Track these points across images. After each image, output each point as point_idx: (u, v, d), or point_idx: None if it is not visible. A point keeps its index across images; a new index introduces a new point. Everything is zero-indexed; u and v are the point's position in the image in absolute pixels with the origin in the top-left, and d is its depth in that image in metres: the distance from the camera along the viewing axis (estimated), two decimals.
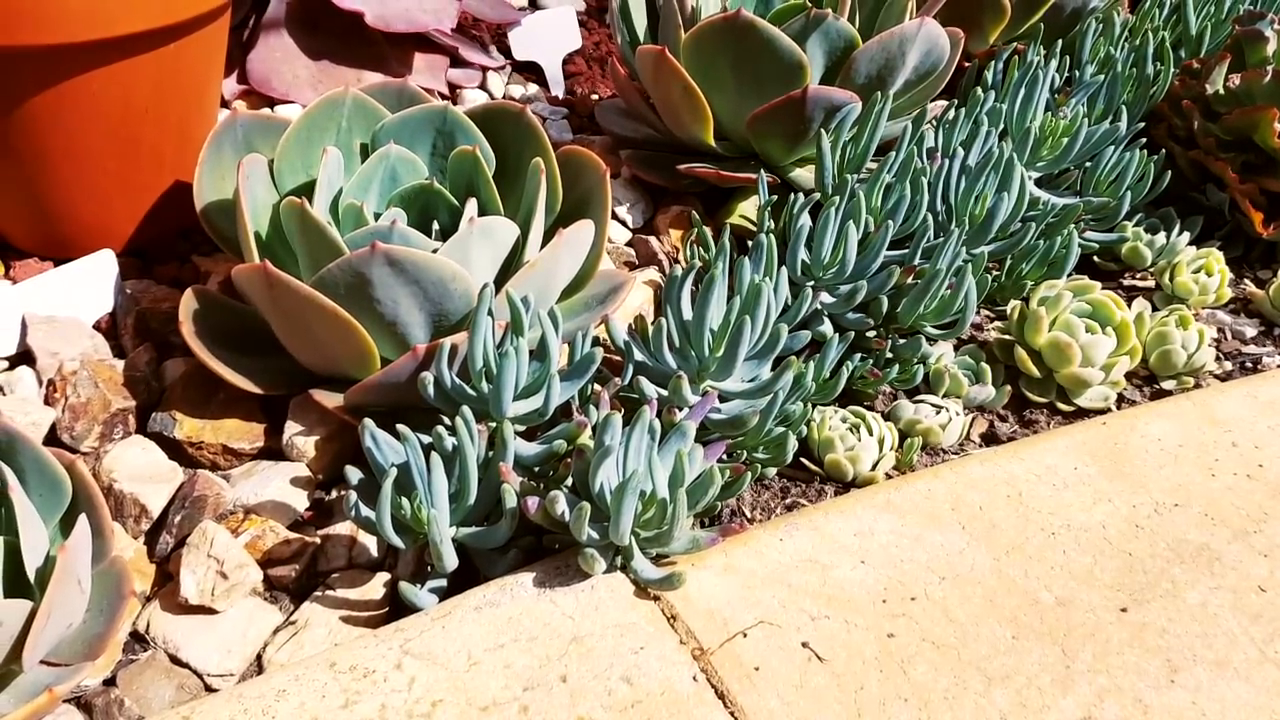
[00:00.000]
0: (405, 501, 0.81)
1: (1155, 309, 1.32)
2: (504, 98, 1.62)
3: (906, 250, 1.16)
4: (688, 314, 0.95)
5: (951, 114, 1.31)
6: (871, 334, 1.14)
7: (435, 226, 1.04)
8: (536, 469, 0.90)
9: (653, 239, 1.31)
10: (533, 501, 0.79)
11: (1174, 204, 1.49)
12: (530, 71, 1.74)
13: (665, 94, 1.26)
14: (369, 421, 0.84)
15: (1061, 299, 1.17)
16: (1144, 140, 1.47)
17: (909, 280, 1.12)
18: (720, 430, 0.95)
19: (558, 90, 1.70)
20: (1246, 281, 1.41)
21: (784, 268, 1.08)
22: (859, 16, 1.36)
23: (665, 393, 0.94)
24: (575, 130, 1.59)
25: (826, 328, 1.11)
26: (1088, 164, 1.38)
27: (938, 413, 1.11)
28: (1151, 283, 1.42)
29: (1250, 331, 1.33)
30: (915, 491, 0.97)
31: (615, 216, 1.34)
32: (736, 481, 0.93)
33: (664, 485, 0.78)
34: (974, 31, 1.65)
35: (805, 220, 1.08)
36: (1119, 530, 0.95)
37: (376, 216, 1.03)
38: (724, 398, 0.98)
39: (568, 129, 1.58)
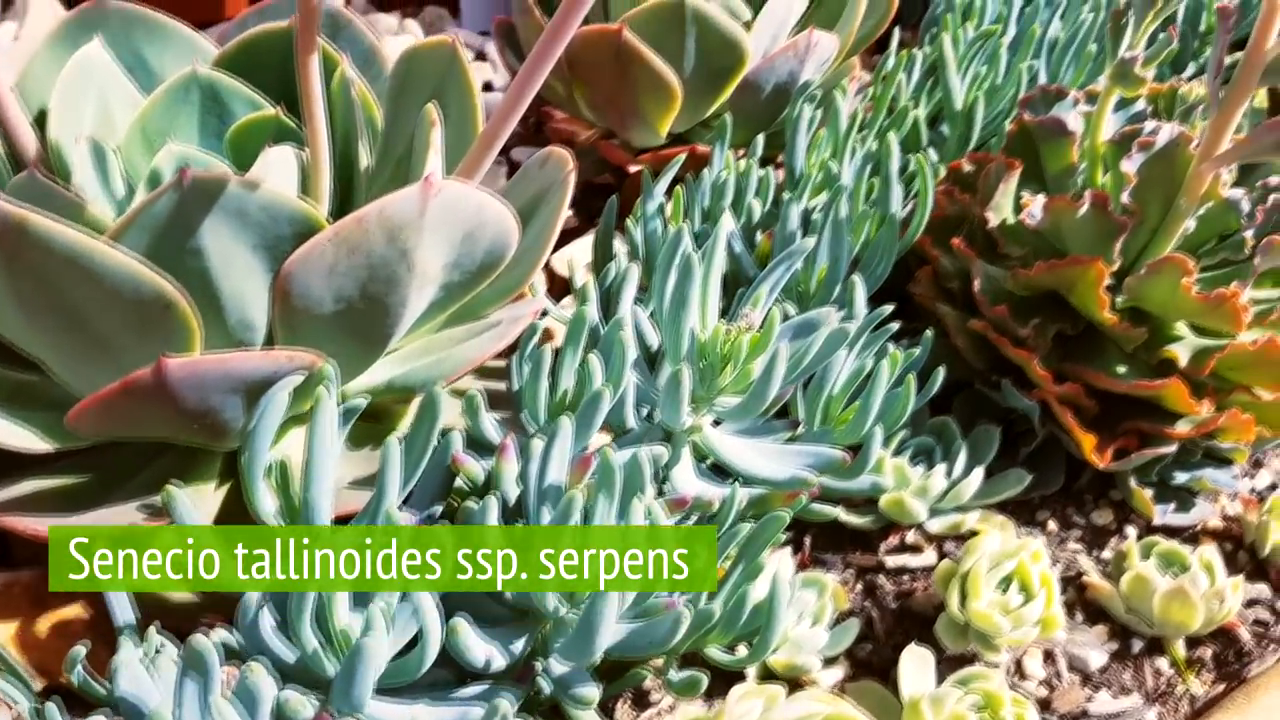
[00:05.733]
0: None
1: (943, 659, 0.74)
2: None
3: None
4: None
5: (532, 346, 0.67)
6: None
7: None
8: None
9: None
10: None
11: (954, 395, 0.93)
12: None
13: None
14: None
15: None
16: (898, 309, 0.91)
17: None
18: None
19: None
20: (1078, 557, 0.85)
21: None
22: (366, 156, 0.72)
23: None
24: None
25: None
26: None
27: None
28: (931, 556, 0.85)
29: (1095, 656, 0.77)
30: None
31: None
32: None
33: None
34: (633, 123, 1.04)
35: None
36: None
37: None
38: None
39: None
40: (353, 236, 0.56)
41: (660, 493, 0.70)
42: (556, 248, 1.05)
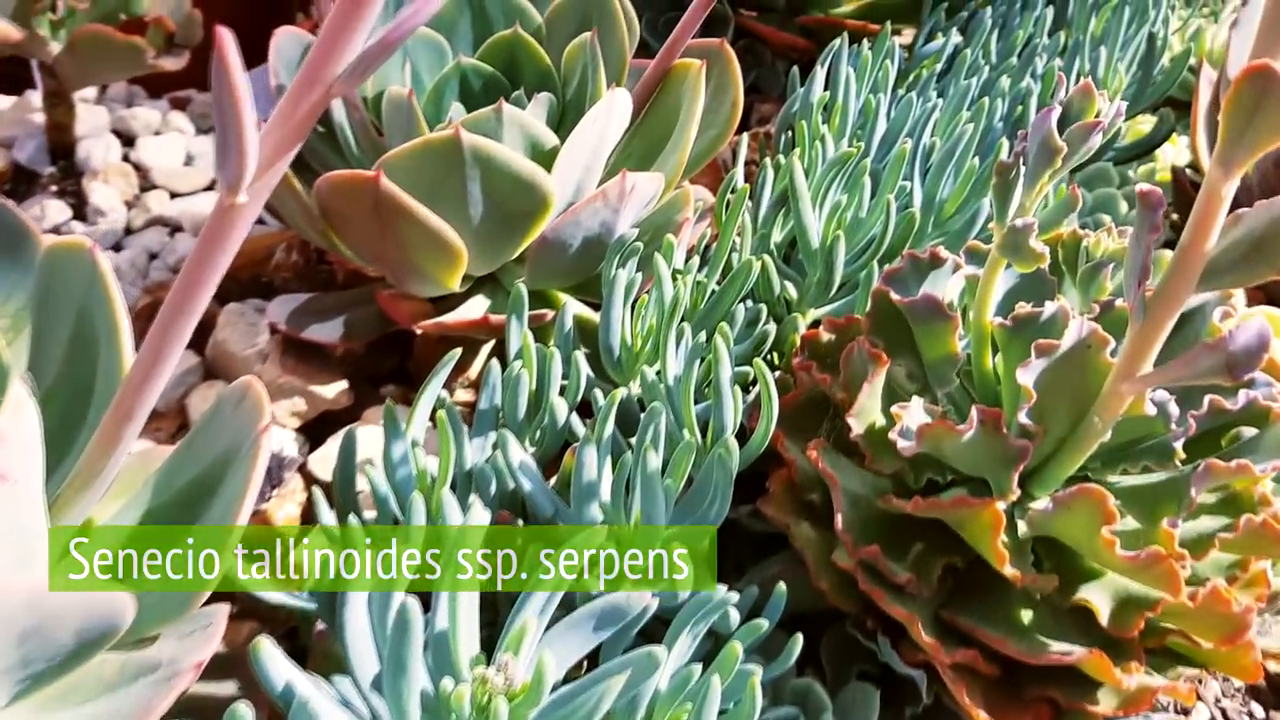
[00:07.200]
0: None
1: None
2: None
3: None
4: None
5: None
6: None
7: None
8: None
9: None
10: None
11: (821, 631, 0.73)
12: None
13: None
14: None
15: None
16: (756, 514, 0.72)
17: None
18: None
19: None
20: None
21: None
22: None
23: None
24: None
25: None
26: None
27: None
28: None
29: None
30: None
31: None
32: None
33: None
34: (410, 279, 0.82)
35: None
36: None
37: None
38: None
39: None
40: None
41: None
42: (322, 438, 0.83)
